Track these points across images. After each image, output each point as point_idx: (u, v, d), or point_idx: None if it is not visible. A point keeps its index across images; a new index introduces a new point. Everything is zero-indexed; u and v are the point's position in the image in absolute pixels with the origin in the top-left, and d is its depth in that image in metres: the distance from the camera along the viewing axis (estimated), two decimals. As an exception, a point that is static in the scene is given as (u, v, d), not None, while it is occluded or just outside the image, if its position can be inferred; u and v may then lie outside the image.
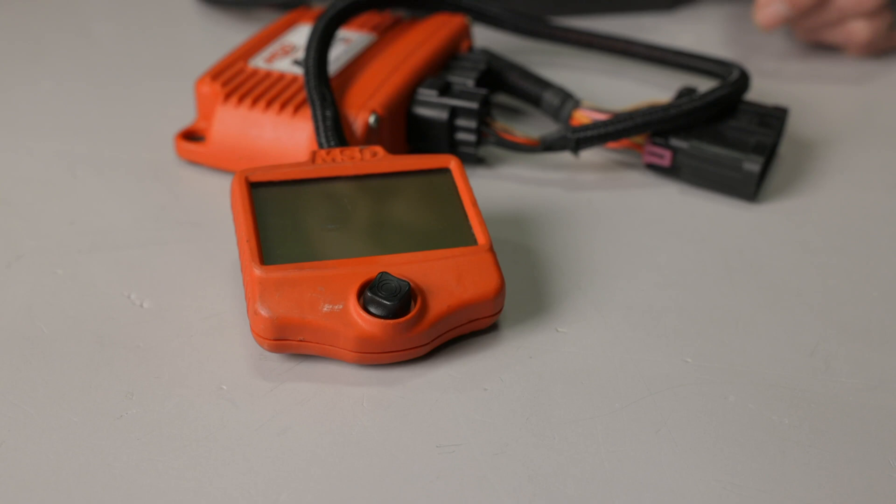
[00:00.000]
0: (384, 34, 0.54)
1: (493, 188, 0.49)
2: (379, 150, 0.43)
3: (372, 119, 0.46)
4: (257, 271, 0.38)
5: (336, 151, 0.43)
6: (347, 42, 0.52)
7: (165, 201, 0.47)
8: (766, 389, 0.38)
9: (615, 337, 0.40)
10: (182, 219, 0.46)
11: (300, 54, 0.51)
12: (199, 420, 0.36)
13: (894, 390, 0.38)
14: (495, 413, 0.36)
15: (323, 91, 0.46)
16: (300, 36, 0.53)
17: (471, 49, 0.55)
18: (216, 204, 0.46)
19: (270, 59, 0.51)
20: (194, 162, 0.49)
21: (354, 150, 0.43)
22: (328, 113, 0.45)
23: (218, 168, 0.49)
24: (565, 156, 0.51)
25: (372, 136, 0.46)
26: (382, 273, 0.37)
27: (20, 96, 0.56)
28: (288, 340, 0.37)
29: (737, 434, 0.36)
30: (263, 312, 0.37)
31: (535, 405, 0.37)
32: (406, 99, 0.49)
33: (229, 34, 0.63)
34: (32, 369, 0.38)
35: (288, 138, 0.47)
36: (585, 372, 0.38)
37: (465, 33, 0.54)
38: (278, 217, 0.40)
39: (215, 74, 0.49)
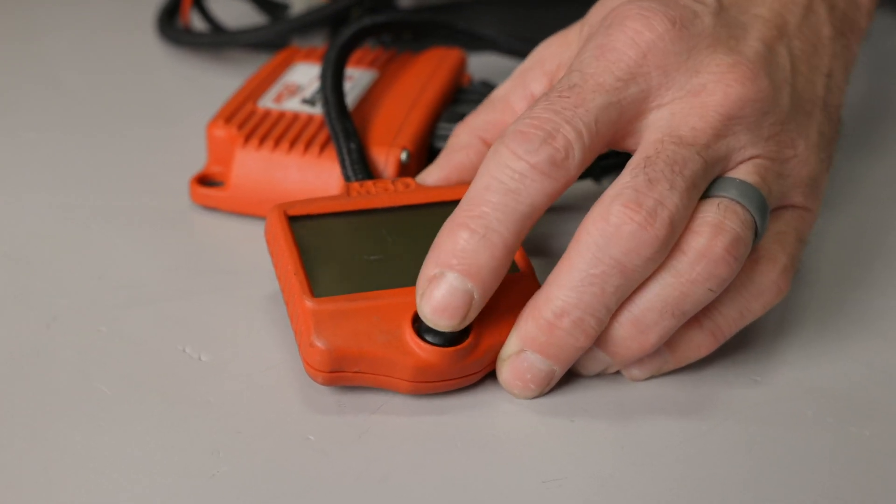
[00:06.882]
0: (385, 69, 0.53)
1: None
2: (411, 181, 0.43)
3: (404, 156, 0.46)
4: (309, 303, 0.37)
5: (369, 184, 0.43)
6: (351, 79, 0.52)
7: (190, 249, 0.46)
8: (836, 403, 0.38)
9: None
10: (213, 267, 0.45)
11: (307, 93, 0.50)
12: (295, 474, 0.35)
13: (956, 395, 0.39)
14: (590, 444, 0.36)
15: (345, 124, 0.46)
16: (301, 75, 0.52)
17: (471, 82, 0.55)
18: (244, 249, 0.45)
19: (279, 100, 0.50)
20: (211, 207, 0.48)
21: (387, 182, 0.43)
22: (352, 146, 0.45)
23: (237, 212, 0.48)
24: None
25: (403, 173, 0.46)
26: None
27: (3, 149, 0.54)
28: (344, 372, 0.37)
29: (825, 448, 0.36)
30: (320, 344, 0.36)
31: (625, 434, 0.37)
32: (428, 134, 0.48)
33: (199, 75, 0.62)
34: (106, 433, 0.36)
35: (315, 178, 0.46)
36: (662, 398, 0.39)
37: (464, 66, 0.54)
38: (321, 249, 0.40)
39: (228, 117, 0.48)
